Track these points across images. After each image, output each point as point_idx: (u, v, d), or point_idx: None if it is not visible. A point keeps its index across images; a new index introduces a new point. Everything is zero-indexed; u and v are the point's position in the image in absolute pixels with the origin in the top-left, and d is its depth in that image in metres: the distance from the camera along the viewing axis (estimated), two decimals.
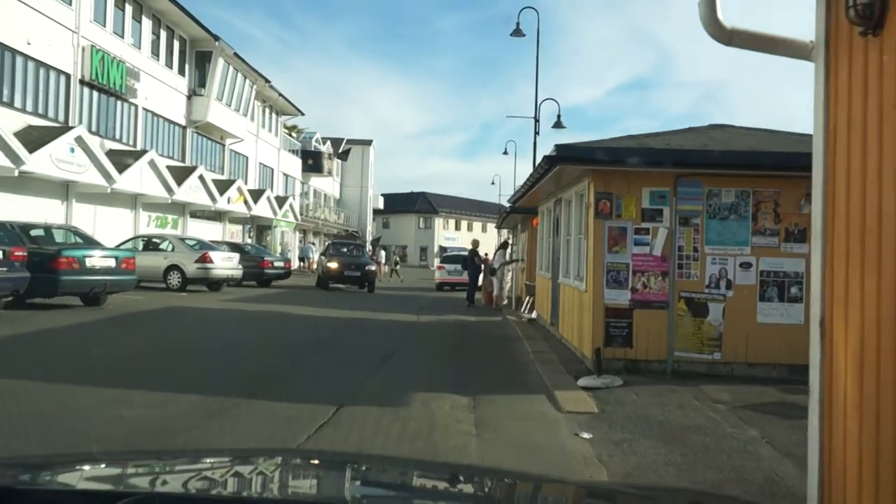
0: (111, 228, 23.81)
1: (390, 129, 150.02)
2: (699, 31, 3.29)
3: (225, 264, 21.34)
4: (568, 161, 8.69)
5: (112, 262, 13.53)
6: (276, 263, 26.32)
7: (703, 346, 8.93)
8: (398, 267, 41.14)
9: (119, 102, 25.77)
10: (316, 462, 2.25)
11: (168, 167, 28.61)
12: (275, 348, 10.09)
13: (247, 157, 39.85)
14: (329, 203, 60.21)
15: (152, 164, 25.36)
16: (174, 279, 20.62)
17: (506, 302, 20.88)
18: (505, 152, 54.65)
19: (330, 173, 55.97)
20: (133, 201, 26.37)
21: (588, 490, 2.08)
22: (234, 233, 37.89)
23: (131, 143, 26.65)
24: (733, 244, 8.98)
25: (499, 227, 27.88)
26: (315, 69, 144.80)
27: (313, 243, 50.00)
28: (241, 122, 35.68)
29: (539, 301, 15.85)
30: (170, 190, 26.79)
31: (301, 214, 48.13)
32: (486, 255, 25.37)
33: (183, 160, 31.03)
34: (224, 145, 36.07)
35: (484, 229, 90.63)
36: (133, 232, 24.84)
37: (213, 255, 20.84)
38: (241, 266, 22.40)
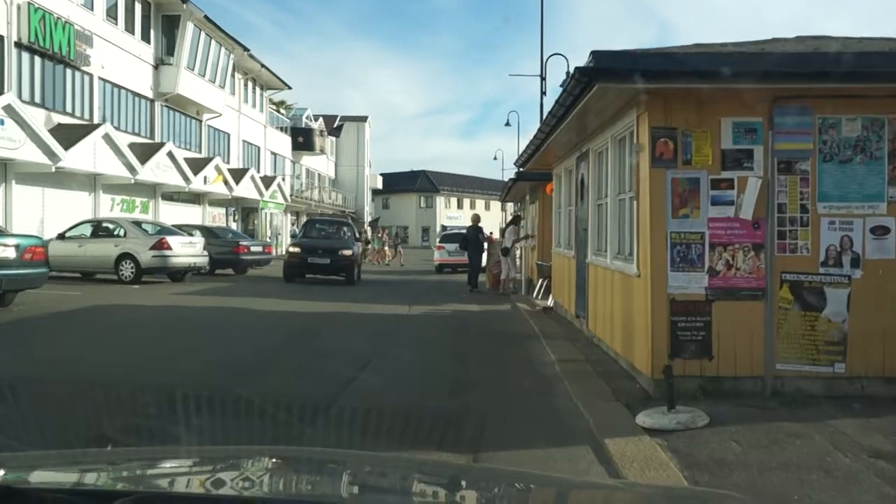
0: (64, 214, 20.88)
1: (391, 110, 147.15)
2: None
3: (186, 251, 18.38)
4: (613, 77, 5.65)
5: (11, 253, 10.55)
6: (254, 248, 23.35)
7: (818, 355, 5.95)
8: (386, 248, 37.91)
9: (68, 70, 22.69)
10: (315, 461, 2.17)
11: (132, 144, 25.65)
12: (185, 376, 6.74)
13: (228, 135, 36.78)
14: (323, 183, 57.14)
15: (108, 138, 22.33)
16: (126, 270, 17.69)
17: (513, 286, 17.93)
18: (507, 123, 51.85)
19: (322, 151, 52.83)
20: (91, 182, 23.39)
21: (591, 490, 2.00)
22: (217, 216, 34.93)
23: (87, 116, 23.60)
24: (860, 199, 5.98)
25: (503, 200, 24.79)
26: (314, 52, 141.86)
27: None
28: (218, 94, 32.58)
29: (557, 285, 12.87)
30: (132, 169, 23.79)
31: (292, 195, 45.14)
32: (491, 233, 22.30)
33: (151, 137, 28.00)
34: (201, 121, 33.00)
35: (487, 207, 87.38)
36: (93, 217, 21.87)
37: (171, 240, 17.87)
38: (205, 252, 19.44)
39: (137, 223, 19.09)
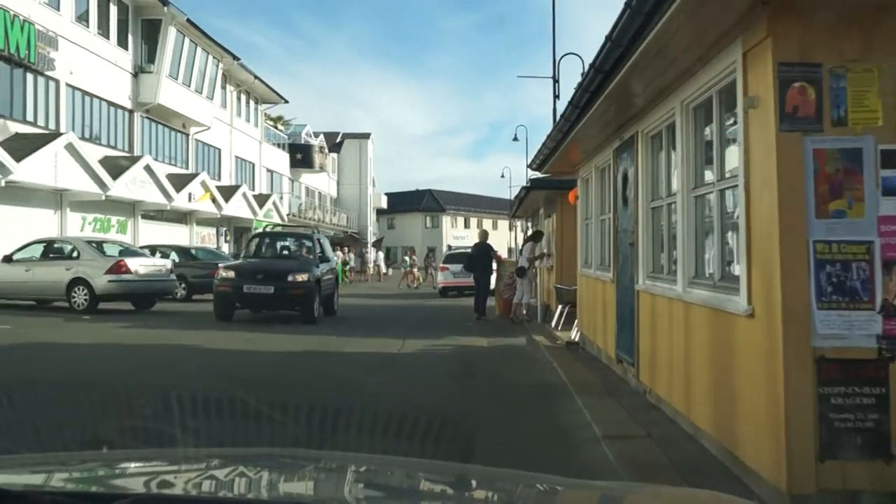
0: (23, 233, 18.53)
1: (397, 131, 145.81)
2: None
3: (149, 274, 15.95)
4: None
5: None
6: None
7: None
8: (415, 270, 35.06)
9: (29, 75, 20.46)
10: (315, 462, 2.13)
11: (107, 158, 23.40)
12: None
13: (219, 150, 34.55)
14: (324, 202, 54.88)
15: (72, 149, 20.02)
16: (79, 297, 15.27)
17: (527, 313, 15.44)
18: (515, 138, 49.11)
19: (322, 169, 50.59)
20: (56, 199, 21.09)
21: (593, 491, 1.99)
22: (206, 237, 32.60)
23: (52, 126, 21.34)
24: None
25: (513, 216, 22.27)
26: (321, 75, 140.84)
27: None
28: (206, 106, 30.37)
29: (585, 315, 10.35)
30: (102, 184, 21.47)
31: (290, 215, 42.83)
32: (498, 252, 19.79)
33: (130, 150, 25.73)
34: (188, 135, 30.78)
35: (495, 226, 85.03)
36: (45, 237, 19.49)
37: (130, 262, 15.45)
38: (173, 276, 17.03)
39: (94, 243, 16.67)
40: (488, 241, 16.27)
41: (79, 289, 15.28)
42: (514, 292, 15.83)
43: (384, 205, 69.80)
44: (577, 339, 10.80)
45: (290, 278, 13.92)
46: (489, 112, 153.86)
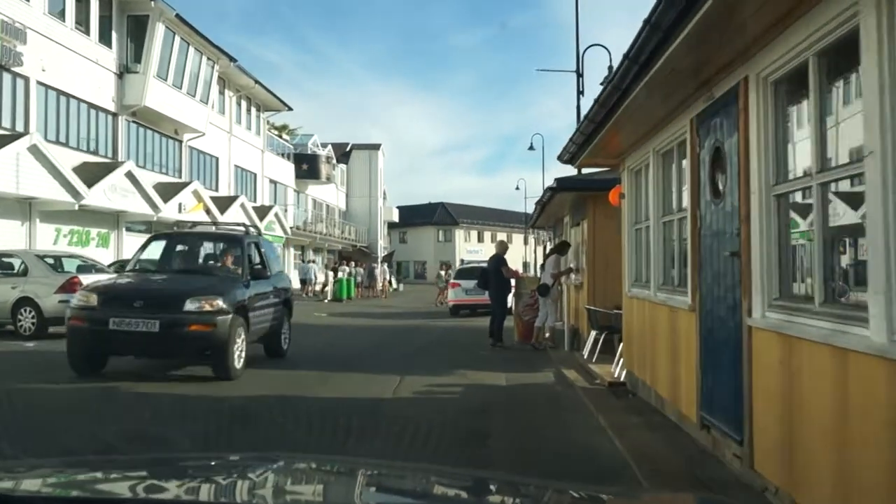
0: None
1: (409, 146, 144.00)
2: None
3: None
4: None
5: None
6: None
7: None
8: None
9: None
10: (315, 467, 2.15)
11: (85, 164, 21.31)
12: None
13: (216, 158, 32.47)
14: (333, 215, 52.74)
15: (36, 152, 17.86)
16: (26, 321, 13.04)
17: (549, 337, 13.07)
18: (531, 147, 46.83)
19: (330, 180, 48.46)
20: (24, 209, 18.96)
21: (603, 498, 1.99)
22: None
23: (20, 127, 19.23)
24: None
25: (532, 226, 19.81)
26: (334, 92, 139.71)
27: (313, 261, 42.40)
28: (200, 111, 28.27)
29: (640, 351, 7.89)
30: (75, 193, 19.31)
31: (295, 228, 40.69)
32: (514, 269, 17.27)
33: (114, 156, 23.63)
34: (181, 141, 28.69)
35: (509, 240, 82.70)
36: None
37: (86, 280, 13.18)
38: None
39: (50, 258, 14.45)
40: (503, 256, 13.90)
41: (25, 311, 13.06)
42: (536, 314, 13.48)
43: (395, 218, 67.61)
44: (622, 379, 8.40)
45: (188, 307, 8.55)
46: (501, 127, 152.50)
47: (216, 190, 32.15)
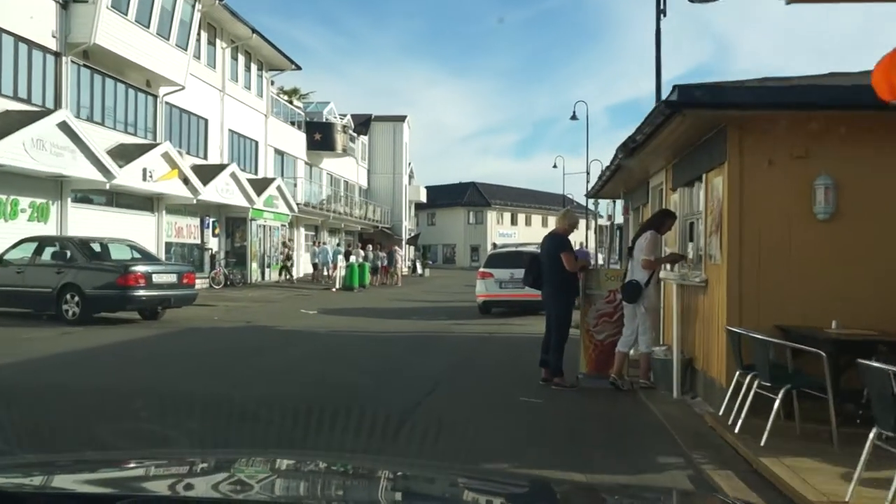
0: None
1: (441, 129, 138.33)
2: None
3: None
4: None
5: None
6: (159, 278, 13.42)
7: None
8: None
9: None
10: (316, 465, 2.11)
11: (8, 112, 16.37)
12: None
13: (205, 120, 27.41)
14: (352, 193, 47.60)
15: None
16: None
17: (644, 370, 7.75)
18: (573, 117, 41.34)
19: (346, 152, 43.18)
20: None
21: (593, 491, 1.99)
22: (186, 228, 25.53)
23: None
24: None
25: (593, 196, 14.08)
26: (368, 74, 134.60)
27: (326, 243, 37.24)
28: (177, 59, 23.13)
29: None
30: None
31: (304, 205, 35.59)
32: (582, 245, 11.16)
33: (57, 107, 18.58)
34: (155, 96, 23.64)
35: (545, 224, 77.26)
36: None
37: None
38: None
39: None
40: (564, 234, 8.42)
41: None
42: (618, 330, 8.13)
43: (423, 198, 62.29)
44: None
45: None
46: (535, 111, 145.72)
47: (204, 157, 27.15)
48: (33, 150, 16.01)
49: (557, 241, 8.22)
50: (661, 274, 8.26)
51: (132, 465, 2.00)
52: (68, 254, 13.43)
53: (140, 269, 13.00)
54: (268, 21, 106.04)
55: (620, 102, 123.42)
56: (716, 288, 6.90)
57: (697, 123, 6.56)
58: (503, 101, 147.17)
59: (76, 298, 12.82)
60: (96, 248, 14.16)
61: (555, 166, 75.94)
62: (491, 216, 73.73)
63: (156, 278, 13.19)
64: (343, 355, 10.42)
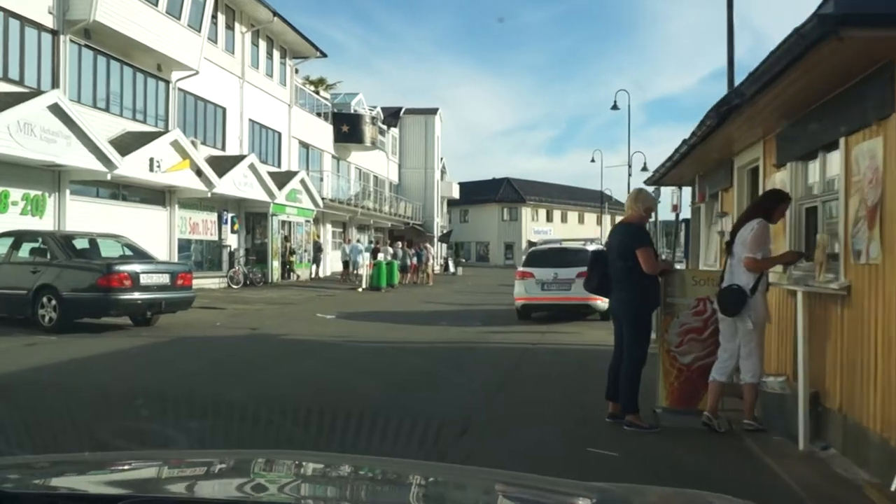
0: None
1: (474, 127, 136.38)
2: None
3: None
4: None
5: None
6: (148, 279, 11.52)
7: None
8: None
9: None
10: (319, 465, 2.07)
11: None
12: None
13: (222, 109, 25.73)
14: (382, 188, 45.81)
15: None
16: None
17: (754, 416, 5.70)
18: (615, 106, 39.15)
19: (375, 145, 41.35)
20: None
21: (591, 493, 1.91)
22: (201, 224, 23.89)
23: None
24: None
25: (655, 183, 11.99)
26: (402, 71, 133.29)
27: (357, 240, 35.50)
28: (190, 41, 21.47)
29: None
30: None
31: (330, 199, 33.85)
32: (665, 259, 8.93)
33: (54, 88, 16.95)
34: (168, 82, 21.99)
35: (581, 220, 74.78)
36: None
37: None
38: None
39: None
40: (644, 223, 6.36)
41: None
42: (711, 352, 6.06)
43: (456, 194, 60.23)
44: None
45: None
46: (567, 108, 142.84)
47: (222, 148, 25.48)
48: (20, 134, 14.36)
49: (631, 233, 6.14)
50: (771, 277, 6.15)
51: (132, 465, 1.99)
52: (47, 251, 11.68)
53: (125, 268, 11.20)
54: (304, 20, 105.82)
55: (656, 99, 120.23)
56: (868, 297, 4.80)
57: (853, 57, 4.46)
58: (534, 98, 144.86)
59: (53, 302, 11.06)
60: (83, 243, 12.42)
61: (592, 160, 73.08)
62: (525, 213, 71.55)
63: (144, 279, 11.37)
64: (343, 378, 8.34)
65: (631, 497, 1.94)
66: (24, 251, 12.03)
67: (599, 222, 65.68)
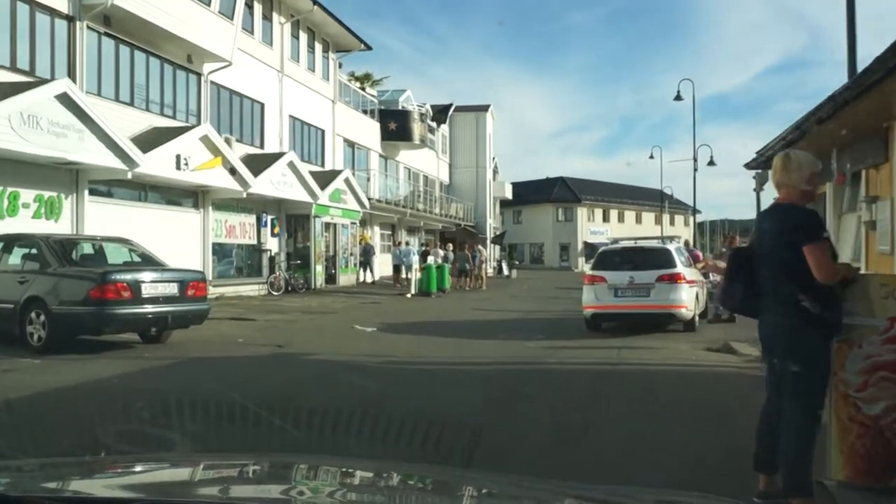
0: None
1: (525, 129, 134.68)
2: None
3: None
4: None
5: None
6: (151, 290, 9.71)
7: None
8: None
9: None
10: (320, 467, 2.06)
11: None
12: None
13: (261, 105, 24.14)
14: (432, 188, 43.99)
15: None
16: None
17: None
18: (678, 97, 36.51)
19: (424, 143, 39.50)
20: None
21: (591, 495, 1.89)
22: (238, 227, 22.33)
23: None
24: None
25: (763, 164, 9.59)
26: (451, 75, 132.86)
27: (409, 243, 33.74)
28: (222, 29, 19.92)
29: None
30: None
31: (378, 200, 32.14)
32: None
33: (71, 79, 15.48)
34: (199, 74, 20.47)
35: (639, 220, 71.75)
36: None
37: None
38: None
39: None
40: (802, 203, 4.28)
41: None
42: None
43: (509, 195, 58.06)
44: None
45: None
46: (617, 108, 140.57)
47: (260, 146, 23.90)
48: (23, 128, 12.83)
49: (794, 219, 3.99)
50: None
51: (134, 468, 1.97)
52: (39, 257, 10.02)
53: (124, 277, 9.43)
54: (356, 25, 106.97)
55: (708, 96, 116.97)
56: None
57: None
58: (584, 99, 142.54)
59: (42, 318, 9.38)
60: (84, 249, 10.78)
61: (651, 157, 70.22)
62: (581, 213, 68.97)
63: (147, 290, 9.58)
64: (360, 421, 6.28)
65: (625, 500, 1.90)
66: (15, 257, 10.40)
67: (659, 221, 62.67)
